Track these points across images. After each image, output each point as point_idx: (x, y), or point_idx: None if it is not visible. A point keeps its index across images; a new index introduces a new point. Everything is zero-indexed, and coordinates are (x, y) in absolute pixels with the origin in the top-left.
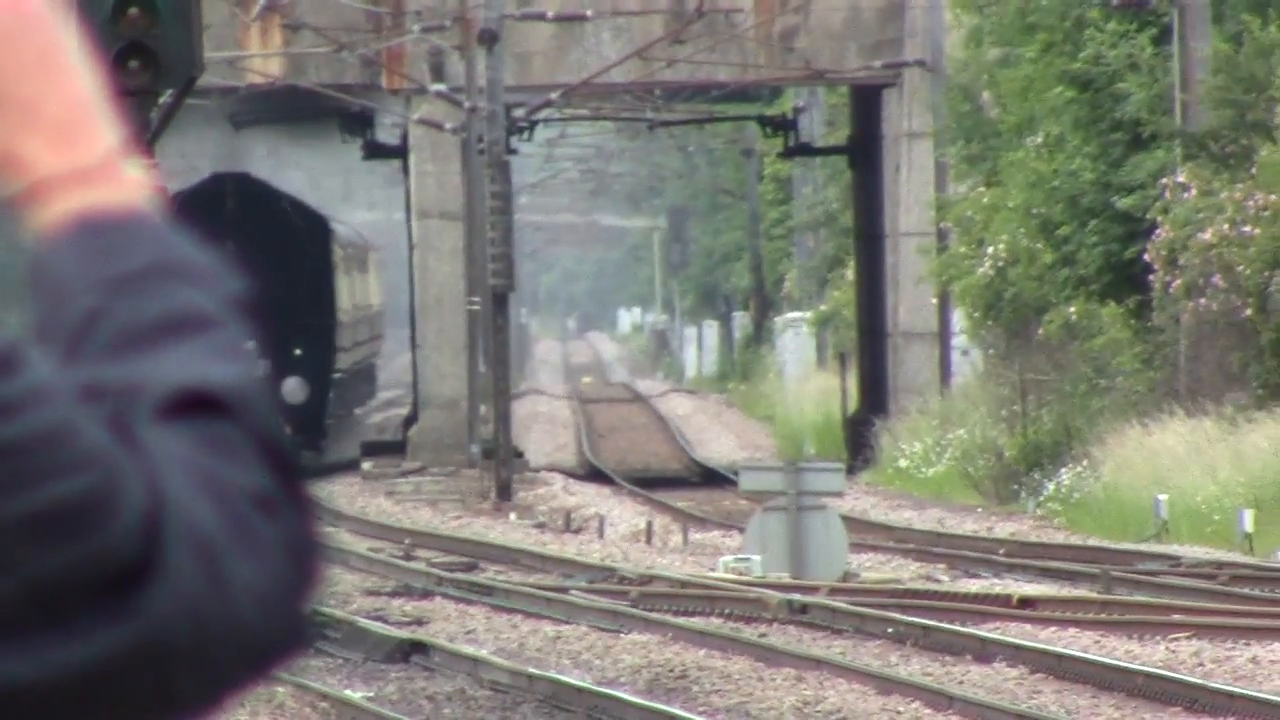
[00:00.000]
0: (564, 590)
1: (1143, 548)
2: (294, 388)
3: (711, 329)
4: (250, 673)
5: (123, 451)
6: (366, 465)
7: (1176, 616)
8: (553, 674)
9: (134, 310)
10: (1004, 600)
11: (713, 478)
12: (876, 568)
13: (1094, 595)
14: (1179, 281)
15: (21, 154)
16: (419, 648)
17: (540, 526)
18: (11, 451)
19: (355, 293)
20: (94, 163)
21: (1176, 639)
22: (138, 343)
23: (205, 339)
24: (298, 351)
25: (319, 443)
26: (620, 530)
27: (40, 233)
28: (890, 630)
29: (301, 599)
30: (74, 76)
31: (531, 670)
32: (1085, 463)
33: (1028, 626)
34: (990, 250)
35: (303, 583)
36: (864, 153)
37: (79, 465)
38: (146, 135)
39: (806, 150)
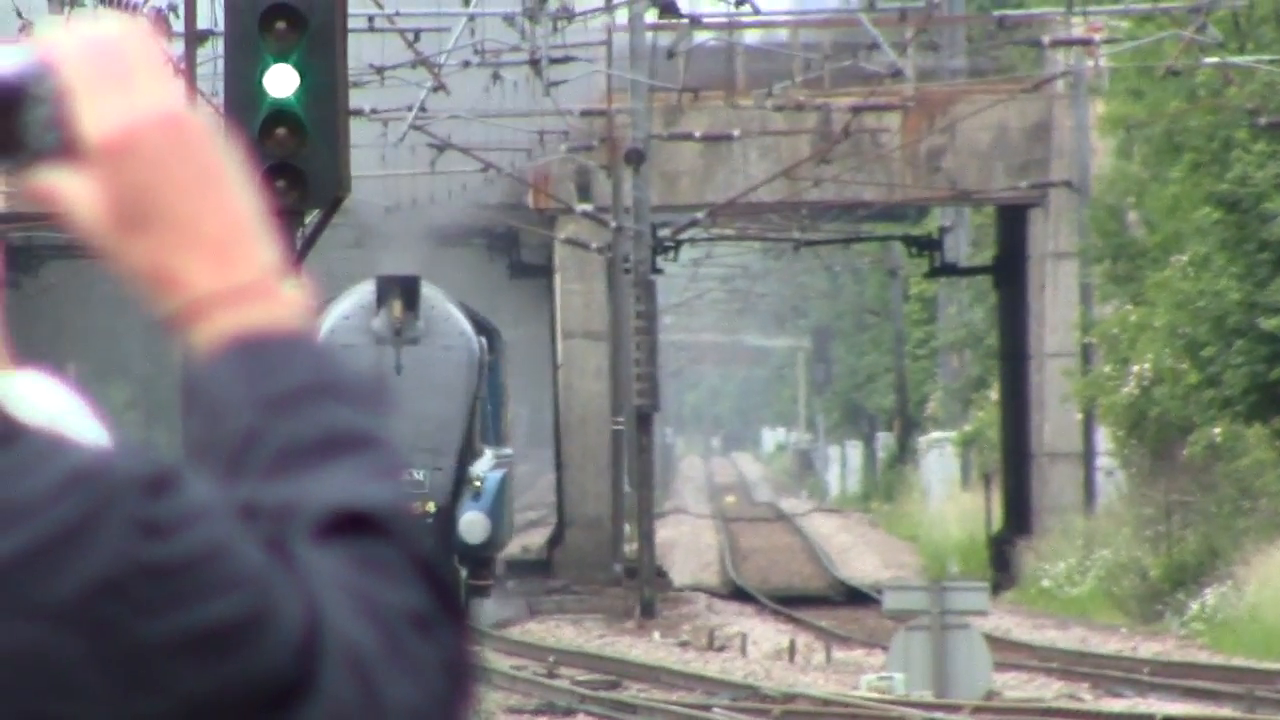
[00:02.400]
0: (707, 708)
1: None
2: (475, 524)
3: (855, 449)
4: None
5: (279, 571)
6: (510, 584)
7: None
8: None
9: (291, 430)
10: None
11: (856, 597)
12: (1020, 687)
13: (1239, 715)
14: None
15: (179, 272)
16: None
17: (683, 645)
18: (167, 571)
19: None
20: (251, 281)
21: None
22: (294, 463)
23: (360, 459)
24: (478, 482)
25: (490, 586)
26: (763, 648)
27: (198, 351)
28: None
29: (454, 717)
30: (232, 195)
31: None
32: (1230, 583)
33: None
34: (1135, 370)
35: (456, 701)
36: (1009, 272)
37: (234, 585)
38: (293, 255)
39: (952, 270)
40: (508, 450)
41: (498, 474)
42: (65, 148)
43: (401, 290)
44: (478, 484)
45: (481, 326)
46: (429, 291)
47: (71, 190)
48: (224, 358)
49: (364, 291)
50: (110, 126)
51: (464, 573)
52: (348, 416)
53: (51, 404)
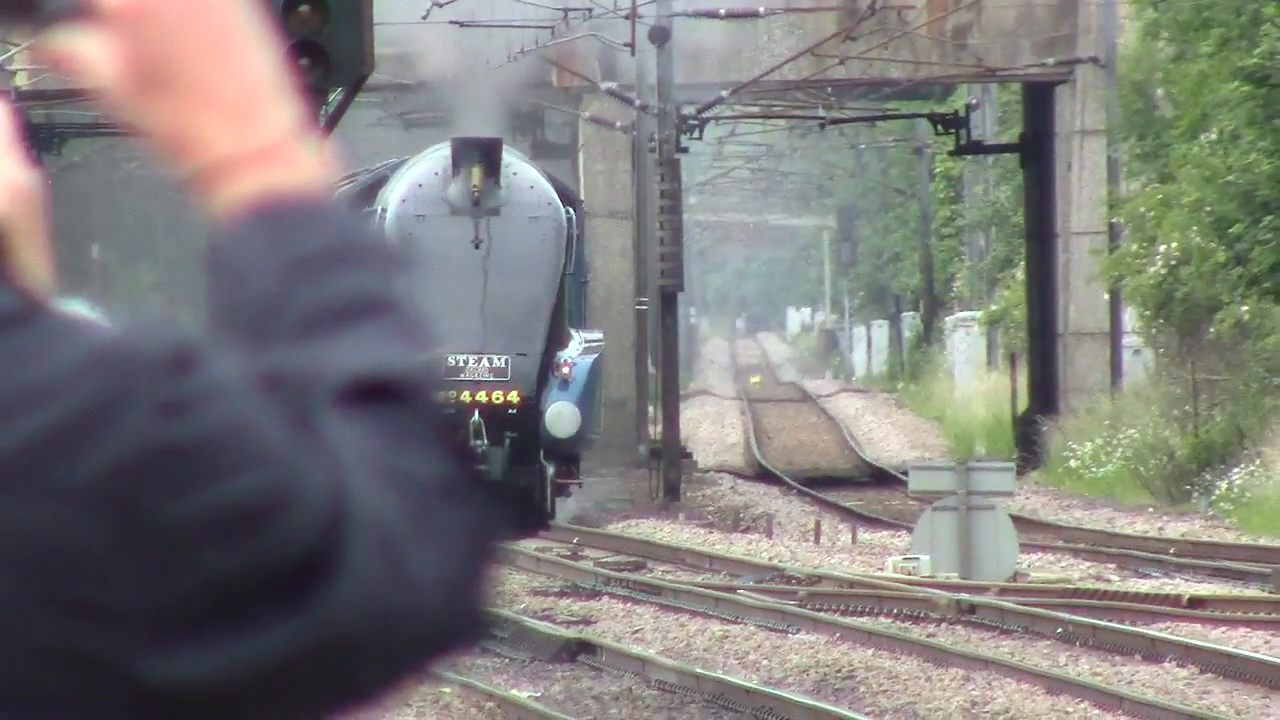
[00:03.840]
0: (731, 590)
1: None
2: (564, 415)
3: (881, 329)
4: (427, 660)
5: (302, 444)
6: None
7: None
8: (720, 674)
9: (311, 295)
10: (1174, 600)
11: (882, 477)
12: (1046, 567)
13: (1265, 595)
14: None
15: (198, 134)
16: (586, 647)
17: (708, 526)
18: (190, 450)
19: None
20: (271, 143)
21: None
22: (315, 329)
23: (382, 324)
24: (566, 369)
25: (578, 484)
26: (788, 530)
27: (217, 215)
28: (1059, 630)
29: (479, 586)
30: (252, 57)
31: (698, 670)
32: (1257, 462)
33: (1198, 626)
34: (1162, 249)
35: (480, 570)
36: (1036, 150)
37: (255, 462)
38: (317, 133)
39: (978, 148)
40: (597, 334)
41: (588, 360)
42: (82, 9)
43: (481, 154)
44: (566, 371)
45: (566, 196)
46: (511, 156)
47: (88, 53)
48: (244, 222)
49: (438, 156)
50: None
51: (549, 469)
52: (369, 281)
53: None
